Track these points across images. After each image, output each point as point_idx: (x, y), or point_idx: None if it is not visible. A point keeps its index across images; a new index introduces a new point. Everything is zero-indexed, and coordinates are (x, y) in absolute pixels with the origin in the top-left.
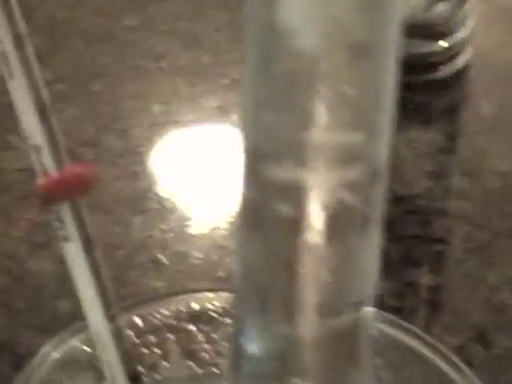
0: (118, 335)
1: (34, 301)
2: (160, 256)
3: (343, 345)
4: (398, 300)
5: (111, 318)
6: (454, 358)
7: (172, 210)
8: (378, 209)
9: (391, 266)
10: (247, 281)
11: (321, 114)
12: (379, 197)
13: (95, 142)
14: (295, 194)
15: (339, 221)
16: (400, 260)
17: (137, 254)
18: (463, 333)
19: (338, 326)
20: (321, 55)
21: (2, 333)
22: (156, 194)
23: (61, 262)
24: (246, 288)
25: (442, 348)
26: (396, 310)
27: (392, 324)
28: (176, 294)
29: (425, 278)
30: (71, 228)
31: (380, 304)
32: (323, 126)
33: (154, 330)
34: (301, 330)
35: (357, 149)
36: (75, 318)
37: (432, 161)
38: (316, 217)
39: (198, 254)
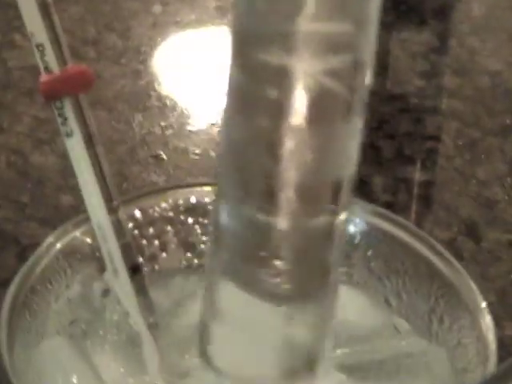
0: (118, 227)
1: (38, 194)
2: (160, 152)
3: (317, 241)
4: (390, 195)
5: (112, 210)
6: (444, 251)
7: (172, 108)
8: (360, 97)
9: (385, 162)
10: (231, 161)
11: (309, 3)
12: (362, 86)
13: (97, 40)
14: (281, 78)
15: (322, 105)
16: (393, 156)
17: (138, 149)
18: (453, 227)
19: (313, 227)
20: None
21: (7, 225)
22: (157, 92)
23: (63, 157)
24: (228, 168)
25: (432, 241)
26: (389, 205)
27: (384, 218)
28: (175, 187)
29: (417, 174)
30: (73, 123)
31: (373, 199)
32: (311, 15)
33: (153, 222)
34: (279, 223)
35: (342, 38)
36: (77, 210)
37: (424, 60)
38: (300, 100)
39: (196, 150)
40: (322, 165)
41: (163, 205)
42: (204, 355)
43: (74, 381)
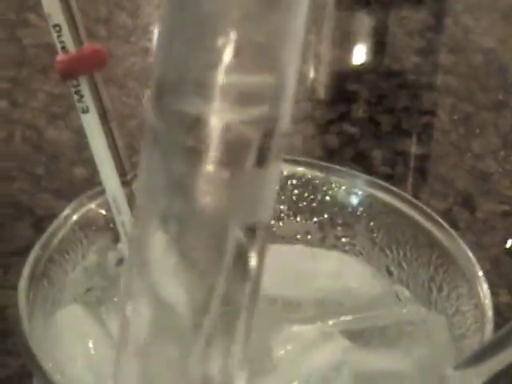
0: (131, 200)
1: (52, 167)
2: None
3: None
4: (389, 168)
5: (125, 183)
6: (443, 222)
7: None
8: (278, 145)
9: (383, 136)
10: (148, 202)
11: (228, 54)
12: (280, 133)
13: (108, 19)
14: (197, 127)
15: (239, 154)
16: (391, 130)
17: None
18: (449, 198)
19: None
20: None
21: (22, 196)
22: None
23: (77, 131)
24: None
25: (431, 213)
26: (387, 177)
27: (385, 190)
28: None
29: (414, 148)
30: (89, 100)
31: (373, 171)
32: (229, 66)
33: None
34: None
35: (261, 89)
36: (90, 183)
37: (421, 38)
38: (216, 149)
39: None
40: (237, 210)
41: None
42: None
43: (90, 346)
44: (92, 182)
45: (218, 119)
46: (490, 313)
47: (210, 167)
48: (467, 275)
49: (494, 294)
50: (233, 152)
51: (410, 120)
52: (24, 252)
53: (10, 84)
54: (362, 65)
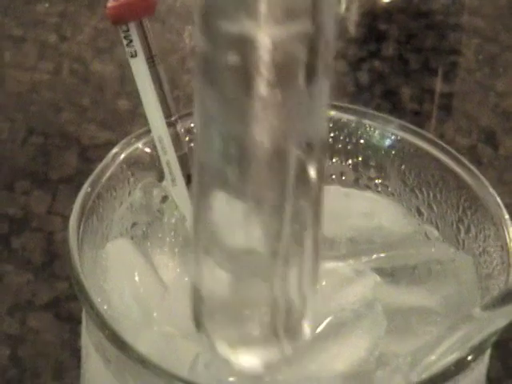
0: (176, 140)
1: (98, 99)
2: None
3: None
4: (417, 104)
5: (171, 124)
6: (470, 165)
7: None
8: (325, 61)
9: (412, 74)
10: (207, 130)
11: None
12: (326, 51)
13: None
14: (245, 47)
15: (288, 72)
16: (419, 69)
17: (188, 59)
18: (473, 135)
19: None
20: None
21: (69, 127)
22: None
23: (121, 65)
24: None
25: (462, 158)
26: (414, 114)
27: (415, 134)
28: None
29: (440, 86)
30: (138, 45)
31: (401, 107)
32: None
33: None
34: None
35: (302, 4)
36: (132, 114)
37: None
38: (266, 68)
39: None
40: (294, 130)
41: None
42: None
43: (136, 278)
44: (135, 113)
45: (264, 37)
46: None
47: (261, 88)
48: (494, 218)
49: None
50: (282, 70)
51: (438, 59)
52: (70, 180)
53: (59, 18)
54: (392, 5)
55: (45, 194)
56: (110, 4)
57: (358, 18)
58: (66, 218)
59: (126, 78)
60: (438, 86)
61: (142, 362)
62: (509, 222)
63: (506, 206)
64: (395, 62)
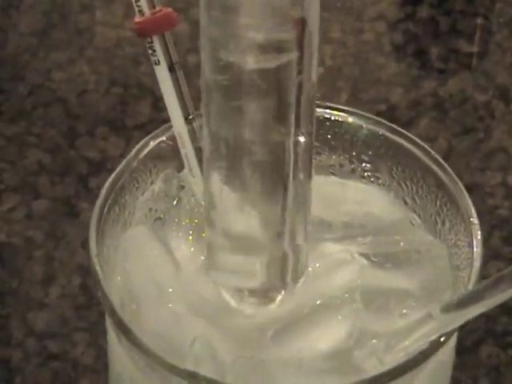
0: (193, 135)
1: None
2: None
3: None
4: (443, 63)
5: (189, 121)
6: (447, 167)
7: None
8: None
9: (440, 35)
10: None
11: None
12: None
13: None
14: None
15: None
16: (447, 30)
17: None
18: (489, 91)
19: None
20: None
21: (146, 78)
22: None
23: (193, 24)
24: None
25: (443, 162)
26: (440, 72)
27: (401, 136)
28: None
29: (465, 46)
30: (160, 55)
31: (429, 66)
32: None
33: None
34: None
35: None
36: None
37: None
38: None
39: None
40: None
41: None
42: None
43: (153, 260)
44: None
45: None
46: (479, 250)
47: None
48: (464, 217)
49: None
50: None
51: (464, 21)
52: (143, 126)
53: None
54: None
55: (120, 139)
56: (136, 19)
57: None
58: None
59: (195, 36)
60: (463, 46)
61: (140, 346)
62: (477, 226)
63: None
64: (427, 24)
